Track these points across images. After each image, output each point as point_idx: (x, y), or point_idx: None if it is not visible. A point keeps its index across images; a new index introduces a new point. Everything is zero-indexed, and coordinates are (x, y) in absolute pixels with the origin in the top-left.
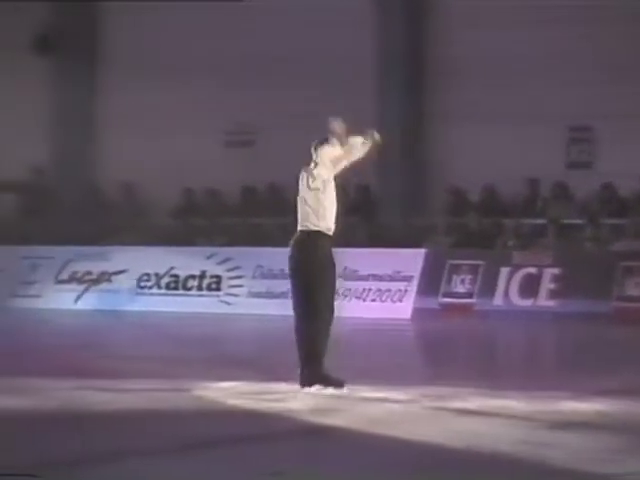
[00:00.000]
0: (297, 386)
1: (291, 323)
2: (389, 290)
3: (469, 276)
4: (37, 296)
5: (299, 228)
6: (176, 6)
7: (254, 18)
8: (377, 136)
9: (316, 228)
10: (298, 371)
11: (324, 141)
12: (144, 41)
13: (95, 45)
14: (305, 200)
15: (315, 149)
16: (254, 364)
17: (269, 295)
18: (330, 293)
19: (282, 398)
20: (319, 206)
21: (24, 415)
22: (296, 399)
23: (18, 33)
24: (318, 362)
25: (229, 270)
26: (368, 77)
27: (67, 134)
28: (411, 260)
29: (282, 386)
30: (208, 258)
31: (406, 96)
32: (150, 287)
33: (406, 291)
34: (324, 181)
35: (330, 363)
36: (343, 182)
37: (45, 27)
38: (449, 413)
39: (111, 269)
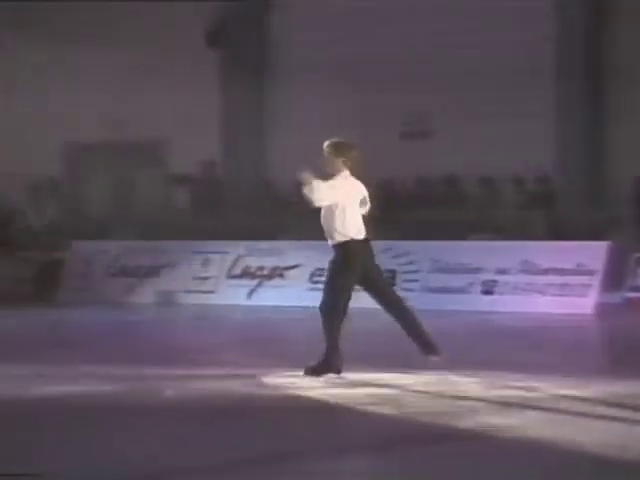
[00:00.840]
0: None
1: (469, 319)
2: (571, 284)
3: None
4: (210, 292)
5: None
6: (342, 3)
7: (425, 14)
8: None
9: None
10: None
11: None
12: (312, 36)
13: (264, 40)
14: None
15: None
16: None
17: (445, 290)
18: None
19: (464, 395)
20: None
21: (196, 411)
22: (476, 398)
23: (190, 29)
24: None
25: (404, 264)
26: (546, 70)
27: (238, 128)
28: (594, 253)
29: (463, 380)
30: (383, 252)
31: (585, 88)
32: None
33: (589, 285)
34: None
35: (512, 359)
36: (520, 174)
37: (216, 23)
38: (632, 412)
39: (283, 264)
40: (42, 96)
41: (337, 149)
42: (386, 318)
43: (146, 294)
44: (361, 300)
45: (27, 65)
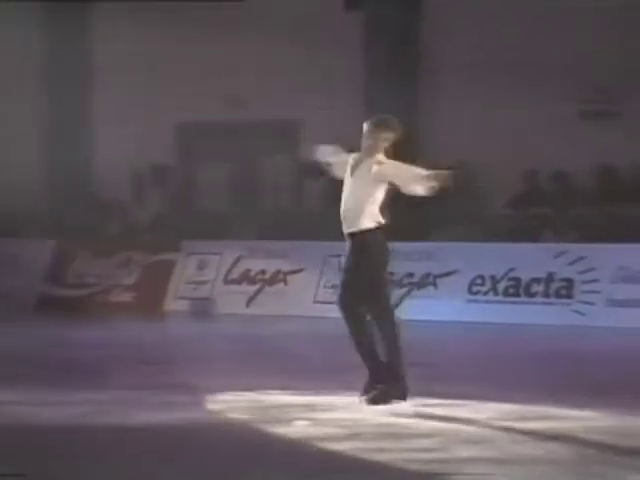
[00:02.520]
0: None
1: None
2: None
3: None
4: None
5: None
6: None
7: None
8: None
9: None
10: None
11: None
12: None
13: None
14: None
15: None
16: (619, 391)
17: (632, 303)
18: None
19: None
20: None
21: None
22: None
23: None
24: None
25: (583, 272)
26: None
27: (387, 105)
28: None
29: None
30: (556, 257)
31: None
32: (485, 293)
33: None
34: None
35: None
36: None
37: None
38: None
39: (437, 270)
40: (152, 73)
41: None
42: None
43: (270, 305)
44: None
45: (140, 44)
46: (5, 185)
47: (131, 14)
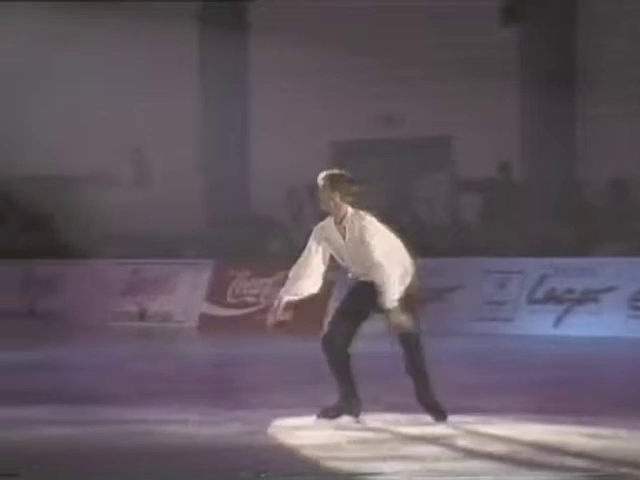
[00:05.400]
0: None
1: None
2: None
3: None
4: (507, 320)
5: None
6: None
7: None
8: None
9: None
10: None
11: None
12: None
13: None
14: None
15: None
16: None
17: None
18: None
19: None
20: None
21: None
22: None
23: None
24: None
25: None
26: None
27: (541, 120)
28: None
29: None
30: None
31: None
32: None
33: None
34: None
35: None
36: None
37: None
38: None
39: (598, 286)
40: (304, 92)
41: (332, 182)
42: None
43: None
44: None
45: (296, 61)
46: (165, 206)
47: (288, 29)
